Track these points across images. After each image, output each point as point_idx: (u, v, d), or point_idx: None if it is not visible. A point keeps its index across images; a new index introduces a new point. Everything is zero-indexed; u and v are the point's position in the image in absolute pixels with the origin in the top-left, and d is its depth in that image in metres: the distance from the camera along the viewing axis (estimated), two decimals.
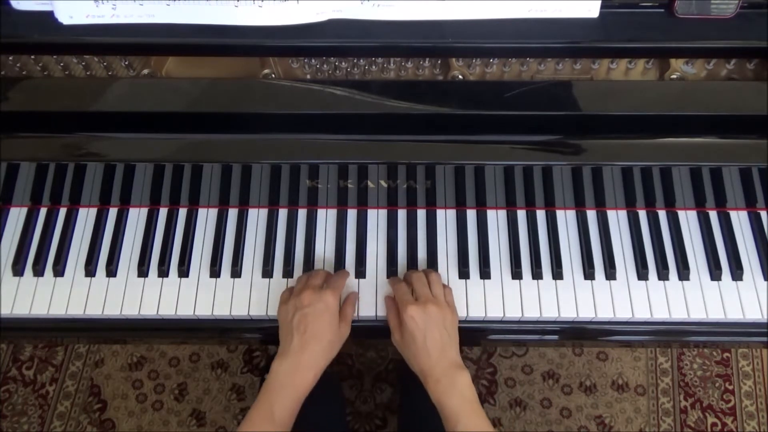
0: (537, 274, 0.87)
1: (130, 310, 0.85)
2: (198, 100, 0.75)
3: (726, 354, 1.58)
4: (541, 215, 0.91)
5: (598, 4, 0.74)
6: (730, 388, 1.55)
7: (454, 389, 0.72)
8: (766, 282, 0.87)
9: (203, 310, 0.86)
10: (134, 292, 0.87)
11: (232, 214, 0.92)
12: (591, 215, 0.91)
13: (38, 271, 0.88)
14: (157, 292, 0.87)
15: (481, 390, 1.54)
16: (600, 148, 0.76)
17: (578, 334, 0.89)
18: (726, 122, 0.74)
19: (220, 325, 0.89)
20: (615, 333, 0.89)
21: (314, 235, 0.90)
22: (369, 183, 0.85)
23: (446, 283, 0.86)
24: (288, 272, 0.88)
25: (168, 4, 0.73)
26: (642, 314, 0.85)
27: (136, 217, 0.92)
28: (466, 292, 0.86)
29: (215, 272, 0.88)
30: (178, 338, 1.00)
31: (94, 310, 0.86)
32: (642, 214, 0.91)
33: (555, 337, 0.90)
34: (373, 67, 0.80)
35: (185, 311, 0.85)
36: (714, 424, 1.51)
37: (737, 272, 0.87)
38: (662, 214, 0.91)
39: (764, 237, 0.89)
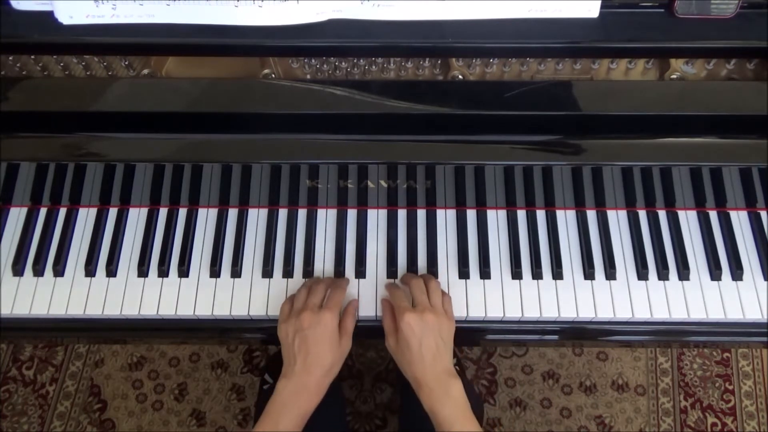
0: (537, 274, 0.87)
1: (130, 310, 0.85)
2: (198, 100, 0.75)
3: (726, 354, 1.58)
4: (541, 215, 0.91)
5: (598, 4, 0.74)
6: (730, 388, 1.55)
7: (447, 397, 0.73)
8: (766, 282, 0.87)
9: (203, 310, 0.86)
10: (134, 292, 0.87)
11: (232, 214, 0.92)
12: (591, 215, 0.91)
13: (38, 271, 0.88)
14: (157, 292, 0.87)
15: (481, 390, 1.54)
16: (600, 148, 0.76)
17: (578, 334, 0.89)
18: (726, 122, 0.74)
19: (220, 325, 0.89)
20: (615, 333, 0.89)
21: (314, 235, 0.90)
22: (369, 183, 0.85)
23: (446, 284, 0.86)
24: (288, 272, 0.88)
25: (168, 4, 0.73)
26: (642, 314, 0.85)
27: (136, 217, 0.92)
28: (466, 292, 0.86)
29: (215, 272, 0.88)
30: (178, 338, 1.00)
31: (94, 310, 0.86)
32: (642, 214, 0.91)
33: (555, 337, 0.90)
34: (373, 67, 0.80)
35: (185, 311, 0.85)
36: (714, 424, 1.51)
37: (737, 272, 0.87)
38: (662, 214, 0.91)
39: (764, 237, 0.89)
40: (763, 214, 0.91)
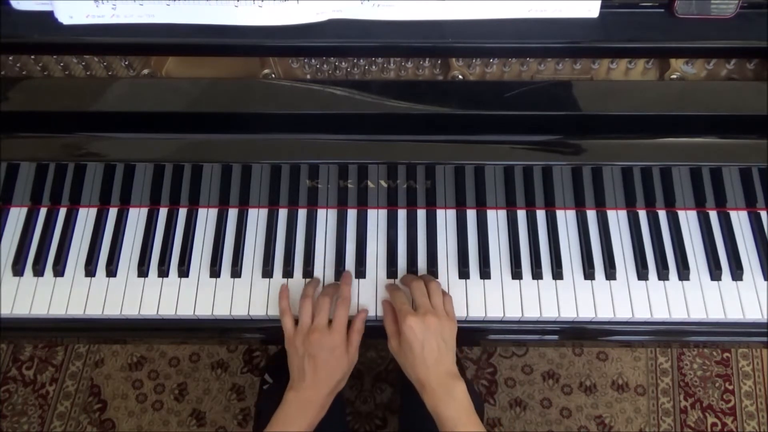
0: (537, 274, 0.87)
1: (130, 310, 0.85)
2: (198, 100, 0.75)
3: (726, 354, 1.58)
4: (541, 215, 0.91)
5: (598, 4, 0.74)
6: (730, 388, 1.55)
7: (450, 398, 0.73)
8: (766, 282, 0.87)
9: (203, 310, 0.86)
10: (134, 292, 0.87)
11: (232, 214, 0.92)
12: (591, 215, 0.91)
13: (38, 271, 0.88)
14: (157, 292, 0.87)
15: (481, 390, 1.54)
16: (600, 148, 0.76)
17: (578, 334, 0.89)
18: (726, 122, 0.74)
19: (220, 325, 0.89)
20: (615, 333, 0.89)
21: (314, 235, 0.90)
22: (369, 183, 0.85)
23: (446, 284, 0.86)
24: (288, 272, 0.88)
25: (168, 4, 0.73)
26: (642, 314, 0.85)
27: (136, 217, 0.92)
28: (466, 292, 0.86)
29: (215, 272, 0.88)
30: (178, 338, 1.00)
31: (94, 310, 0.86)
32: (642, 214, 0.91)
33: (555, 337, 0.90)
34: (373, 67, 0.80)
35: (185, 311, 0.85)
36: (714, 424, 1.51)
37: (737, 272, 0.87)
38: (662, 214, 0.91)
39: (764, 237, 0.89)
40: (763, 214, 0.91)
